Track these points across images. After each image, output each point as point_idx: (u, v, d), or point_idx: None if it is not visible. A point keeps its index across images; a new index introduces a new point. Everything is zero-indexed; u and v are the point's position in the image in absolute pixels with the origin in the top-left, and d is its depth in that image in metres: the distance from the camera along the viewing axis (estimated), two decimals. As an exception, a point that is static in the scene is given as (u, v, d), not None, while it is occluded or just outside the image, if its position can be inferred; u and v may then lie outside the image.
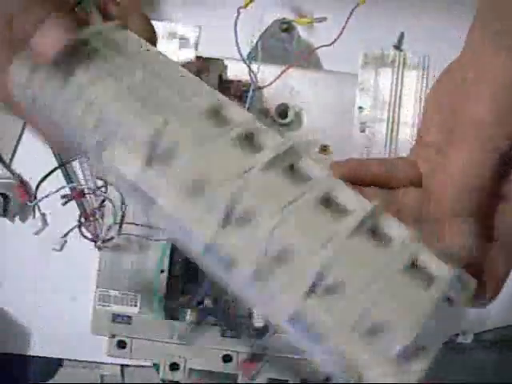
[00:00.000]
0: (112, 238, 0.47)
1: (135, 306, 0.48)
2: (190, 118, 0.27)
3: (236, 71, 0.52)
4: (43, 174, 0.48)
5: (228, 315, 0.49)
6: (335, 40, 0.47)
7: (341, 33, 0.46)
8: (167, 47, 0.49)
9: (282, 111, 0.53)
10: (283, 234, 0.24)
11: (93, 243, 0.47)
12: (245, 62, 0.47)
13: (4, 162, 0.62)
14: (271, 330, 0.49)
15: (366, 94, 0.49)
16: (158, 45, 0.49)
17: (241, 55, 0.46)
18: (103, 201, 0.48)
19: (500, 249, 0.32)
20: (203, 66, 0.49)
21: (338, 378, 0.26)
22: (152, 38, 0.37)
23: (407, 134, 0.49)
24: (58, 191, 0.47)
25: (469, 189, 0.31)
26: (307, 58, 0.52)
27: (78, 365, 0.63)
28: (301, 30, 0.58)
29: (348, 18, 0.45)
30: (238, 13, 0.45)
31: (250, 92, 0.50)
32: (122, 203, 0.47)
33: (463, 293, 0.27)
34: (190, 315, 0.49)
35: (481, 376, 0.63)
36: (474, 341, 0.63)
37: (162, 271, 0.48)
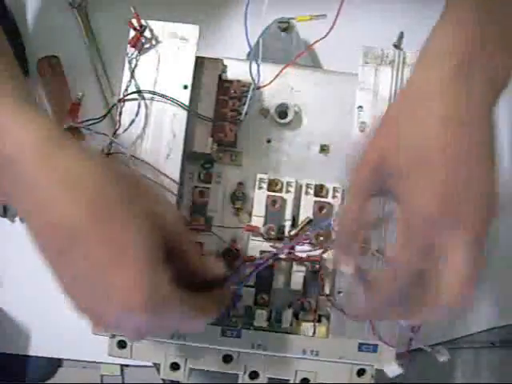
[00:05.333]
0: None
1: (135, 305, 0.48)
2: None
3: (236, 71, 0.52)
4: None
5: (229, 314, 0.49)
6: (328, 32, 0.46)
7: (333, 23, 0.46)
8: (167, 47, 0.49)
9: (282, 111, 0.53)
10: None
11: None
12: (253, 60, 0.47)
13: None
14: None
15: (366, 94, 0.49)
16: (159, 45, 0.49)
17: (249, 44, 0.46)
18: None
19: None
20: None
21: None
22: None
23: (407, 133, 0.48)
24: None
25: None
26: (305, 55, 0.52)
27: (77, 365, 0.63)
28: (300, 30, 0.58)
29: (339, 9, 0.45)
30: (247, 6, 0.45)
31: (250, 92, 0.50)
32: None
33: None
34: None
35: (480, 376, 0.63)
36: (474, 341, 0.63)
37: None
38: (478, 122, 0.38)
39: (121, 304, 0.35)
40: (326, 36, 0.46)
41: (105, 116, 0.49)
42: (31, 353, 0.63)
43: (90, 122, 0.48)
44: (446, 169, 0.37)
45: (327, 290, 0.50)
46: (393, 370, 0.47)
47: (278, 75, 0.50)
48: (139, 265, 0.35)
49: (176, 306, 0.38)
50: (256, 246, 0.50)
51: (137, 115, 0.48)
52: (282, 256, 0.49)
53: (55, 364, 0.63)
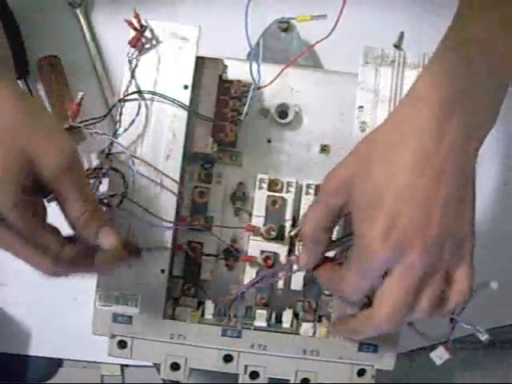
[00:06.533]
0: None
1: (135, 306, 0.48)
2: None
3: (236, 71, 0.52)
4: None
5: (229, 314, 0.49)
6: (330, 33, 0.46)
7: (336, 23, 0.46)
8: (168, 47, 0.49)
9: (282, 111, 0.53)
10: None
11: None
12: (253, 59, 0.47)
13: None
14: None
15: (367, 94, 0.49)
16: (159, 45, 0.49)
17: (249, 44, 0.46)
18: (103, 201, 0.48)
19: None
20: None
21: None
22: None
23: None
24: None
25: None
26: (305, 55, 0.52)
27: (78, 365, 0.63)
28: (300, 30, 0.58)
29: (341, 9, 0.45)
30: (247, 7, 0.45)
31: (250, 92, 0.50)
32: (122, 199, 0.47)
33: None
34: (190, 315, 0.49)
35: (480, 376, 0.63)
36: (474, 341, 0.63)
37: (163, 271, 0.48)
38: (448, 171, 0.40)
39: None
40: (327, 36, 0.46)
41: (105, 116, 0.49)
42: (31, 353, 0.63)
43: (91, 122, 0.48)
44: (394, 209, 0.40)
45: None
46: (440, 355, 0.47)
47: (278, 75, 0.50)
48: None
49: (13, 220, 0.40)
50: (256, 246, 0.50)
51: (137, 115, 0.48)
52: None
53: (55, 364, 0.63)
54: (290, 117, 0.52)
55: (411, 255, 0.39)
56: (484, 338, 0.46)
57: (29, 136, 0.41)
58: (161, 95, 0.48)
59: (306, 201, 0.50)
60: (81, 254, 0.42)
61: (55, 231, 0.42)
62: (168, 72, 0.49)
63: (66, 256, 0.41)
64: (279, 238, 0.50)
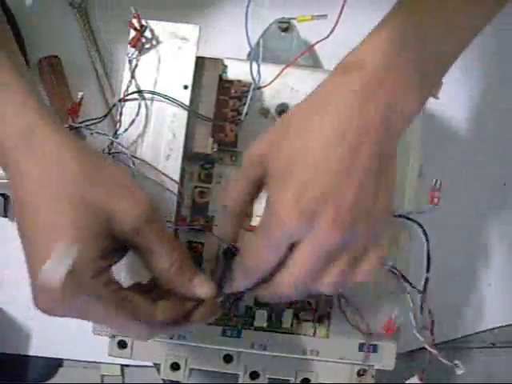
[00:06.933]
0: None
1: (136, 305, 0.48)
2: None
3: (236, 71, 0.52)
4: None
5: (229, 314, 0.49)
6: (330, 33, 0.46)
7: (336, 23, 0.46)
8: (168, 47, 0.49)
9: (282, 111, 0.53)
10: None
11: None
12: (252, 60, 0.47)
13: (4, 162, 0.62)
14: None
15: (367, 94, 0.49)
16: (159, 45, 0.49)
17: (249, 44, 0.46)
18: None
19: None
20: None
21: None
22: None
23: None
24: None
25: None
26: (305, 55, 0.52)
27: (78, 365, 0.63)
28: (301, 30, 0.58)
29: (341, 9, 0.45)
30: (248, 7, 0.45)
31: (250, 92, 0.50)
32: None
33: None
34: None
35: (481, 376, 0.63)
36: (475, 341, 0.63)
37: (163, 271, 0.48)
38: (366, 143, 0.38)
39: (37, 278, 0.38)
40: (327, 36, 0.46)
41: (105, 116, 0.49)
42: (31, 353, 0.63)
43: (91, 122, 0.48)
44: (307, 178, 0.38)
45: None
46: None
47: (278, 75, 0.50)
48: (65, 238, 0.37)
49: (96, 291, 0.37)
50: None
51: (137, 115, 0.48)
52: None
53: (55, 364, 0.63)
54: (290, 117, 0.52)
55: (322, 225, 0.38)
56: (460, 372, 0.46)
57: (103, 194, 0.38)
58: (161, 95, 0.48)
59: (306, 201, 0.50)
60: (175, 311, 0.40)
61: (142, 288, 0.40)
62: (168, 72, 0.49)
63: (160, 317, 0.39)
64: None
